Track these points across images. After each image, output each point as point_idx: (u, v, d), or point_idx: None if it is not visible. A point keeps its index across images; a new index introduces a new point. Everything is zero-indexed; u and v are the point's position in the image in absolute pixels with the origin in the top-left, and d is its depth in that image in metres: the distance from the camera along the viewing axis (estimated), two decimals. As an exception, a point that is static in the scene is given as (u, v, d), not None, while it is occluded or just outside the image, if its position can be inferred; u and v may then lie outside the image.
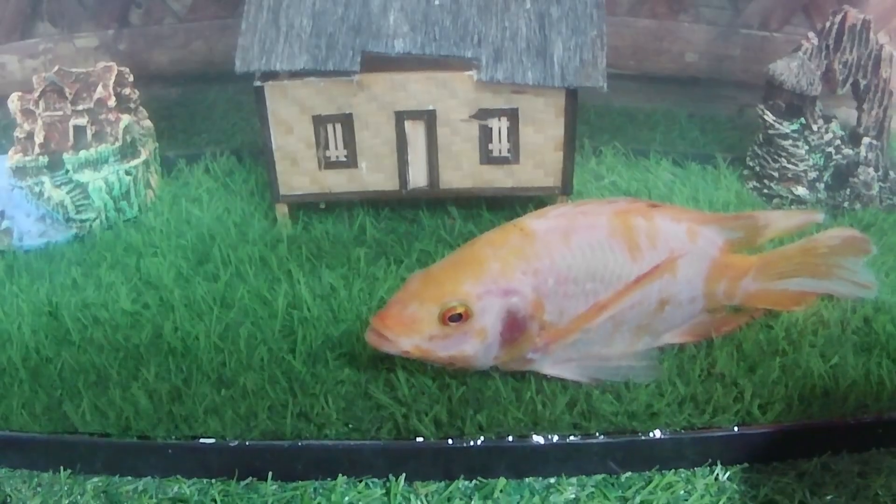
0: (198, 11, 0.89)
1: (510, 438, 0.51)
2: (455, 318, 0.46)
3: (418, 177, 0.62)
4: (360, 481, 0.48)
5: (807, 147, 0.73)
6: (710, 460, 0.49)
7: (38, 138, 0.68)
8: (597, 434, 0.50)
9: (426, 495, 0.50)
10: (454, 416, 0.52)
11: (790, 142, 0.72)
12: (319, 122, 0.60)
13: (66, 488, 0.49)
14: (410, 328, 0.46)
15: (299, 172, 0.63)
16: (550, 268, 0.47)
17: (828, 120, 0.74)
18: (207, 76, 0.87)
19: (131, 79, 0.70)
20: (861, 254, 0.57)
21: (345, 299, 0.58)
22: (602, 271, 0.48)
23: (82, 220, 0.67)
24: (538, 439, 0.51)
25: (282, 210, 0.65)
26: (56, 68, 0.69)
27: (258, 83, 0.59)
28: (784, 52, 0.73)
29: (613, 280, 0.48)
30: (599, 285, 0.48)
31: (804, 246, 0.56)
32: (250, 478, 0.48)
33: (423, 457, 0.51)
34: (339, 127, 0.61)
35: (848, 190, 0.73)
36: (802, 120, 0.73)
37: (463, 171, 0.62)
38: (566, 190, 0.64)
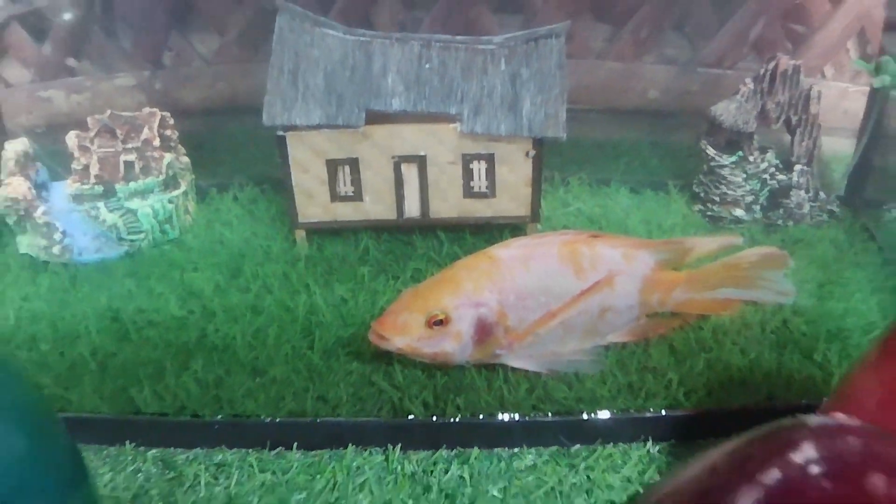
0: (222, 55, 0.99)
1: (482, 417, 0.60)
2: (437, 323, 0.58)
3: (412, 208, 0.73)
4: (366, 450, 0.59)
5: (744, 175, 0.84)
6: (643, 437, 0.59)
7: (94, 170, 0.78)
8: (550, 414, 0.59)
9: (416, 461, 0.60)
10: (439, 399, 0.62)
11: (729, 171, 0.84)
12: (331, 164, 0.71)
13: (129, 458, 0.59)
14: (403, 331, 0.58)
15: (314, 204, 0.73)
16: (512, 286, 0.59)
17: (763, 151, 0.85)
18: (231, 113, 0.95)
19: (171, 121, 0.80)
20: (780, 267, 0.68)
21: (352, 307, 0.69)
22: (553, 288, 0.60)
23: (132, 240, 0.77)
24: (504, 417, 0.60)
25: (300, 234, 0.75)
26: (108, 112, 0.80)
27: (281, 133, 0.70)
28: (736, 86, 0.82)
29: (563, 294, 0.60)
30: (551, 299, 0.60)
31: (728, 262, 0.68)
32: (279, 448, 0.59)
33: (415, 431, 0.61)
34: (347, 168, 0.71)
35: (781, 210, 0.83)
36: (740, 153, 0.84)
37: (449, 203, 0.73)
38: (535, 218, 0.74)
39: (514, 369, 0.63)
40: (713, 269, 0.67)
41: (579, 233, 0.62)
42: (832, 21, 0.97)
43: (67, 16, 0.97)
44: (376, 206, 0.74)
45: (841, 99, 0.97)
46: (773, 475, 0.38)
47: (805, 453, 0.39)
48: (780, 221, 0.84)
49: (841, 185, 0.88)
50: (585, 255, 0.60)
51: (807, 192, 0.84)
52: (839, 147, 0.93)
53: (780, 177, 0.84)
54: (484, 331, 0.58)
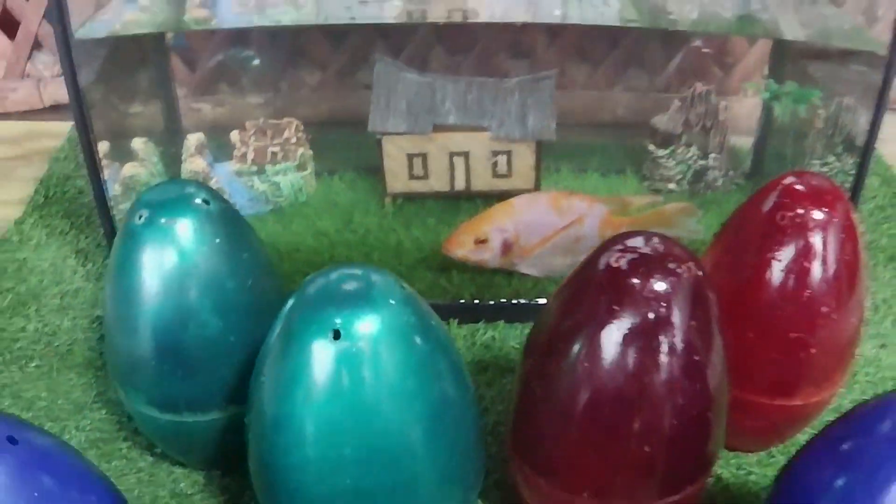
0: (322, 85, 1.42)
1: (504, 301, 0.92)
2: (480, 241, 0.93)
3: (460, 184, 1.10)
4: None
5: (675, 162, 1.25)
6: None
7: (250, 156, 1.17)
8: (544, 300, 0.93)
9: (466, 328, 0.90)
10: (478, 290, 0.95)
11: (664, 161, 1.26)
12: (409, 156, 1.09)
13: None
14: (460, 246, 0.93)
15: (397, 181, 1.09)
16: (522, 221, 0.93)
17: (688, 146, 1.26)
18: (330, 124, 1.36)
19: (302, 127, 1.23)
20: (692, 216, 1.01)
21: (423, 241, 0.99)
22: (546, 223, 0.97)
23: (277, 202, 1.10)
24: (518, 301, 0.93)
25: (388, 200, 1.11)
26: (262, 119, 1.23)
27: (379, 137, 1.11)
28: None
29: (552, 227, 0.98)
30: (545, 229, 0.98)
31: (656, 211, 1.05)
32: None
33: (465, 311, 0.91)
34: (419, 159, 1.09)
35: (702, 184, 1.16)
36: (672, 147, 1.26)
37: (482, 180, 1.09)
38: (537, 188, 1.13)
39: (523, 273, 0.95)
40: (646, 216, 1.06)
41: (561, 192, 1.03)
42: (748, 55, 1.40)
43: (212, 57, 1.39)
44: (437, 182, 1.12)
45: (748, 108, 1.39)
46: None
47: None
48: (700, 191, 1.20)
49: (746, 164, 1.29)
50: (564, 204, 1.00)
51: (719, 171, 1.24)
52: (745, 140, 1.34)
53: (701, 162, 1.24)
54: (506, 247, 0.94)
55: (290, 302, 0.55)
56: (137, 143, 1.11)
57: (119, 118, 1.14)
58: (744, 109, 1.28)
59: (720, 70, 1.30)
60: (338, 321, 0.51)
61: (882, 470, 0.49)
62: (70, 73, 0.88)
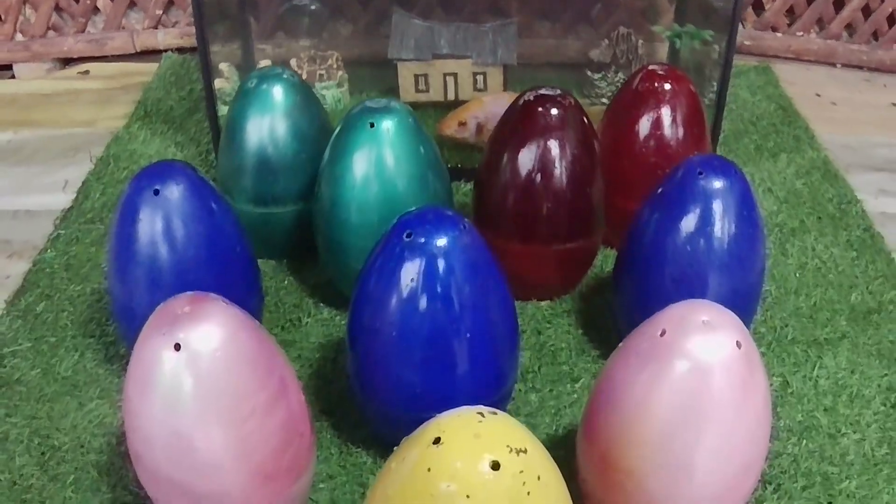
0: (355, 34, 1.92)
1: (475, 166, 1.33)
2: (462, 124, 1.36)
3: (451, 93, 1.58)
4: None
5: (606, 84, 1.75)
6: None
7: (304, 76, 1.70)
8: None
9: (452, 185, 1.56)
10: (462, 158, 1.41)
11: (598, 81, 1.75)
12: (416, 76, 1.61)
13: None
14: (448, 128, 1.37)
15: (408, 94, 1.60)
16: (491, 110, 1.32)
17: (616, 72, 1.77)
18: (358, 61, 1.81)
19: (341, 58, 1.72)
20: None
21: (428, 130, 1.17)
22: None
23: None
24: None
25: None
26: (312, 51, 1.73)
27: (395, 62, 1.59)
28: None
29: None
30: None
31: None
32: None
33: (451, 172, 1.25)
34: (423, 77, 1.57)
35: None
36: (603, 73, 1.76)
37: (467, 92, 1.59)
38: None
39: (492, 149, 1.54)
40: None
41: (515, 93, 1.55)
42: (660, 4, 1.88)
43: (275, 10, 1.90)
44: (435, 94, 1.60)
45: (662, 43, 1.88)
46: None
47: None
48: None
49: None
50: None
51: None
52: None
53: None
54: (479, 129, 1.40)
55: (339, 126, 1.06)
56: (224, 67, 1.62)
57: (213, 52, 1.64)
58: (656, 46, 1.78)
59: (641, 17, 1.80)
60: (371, 121, 1.03)
61: (678, 205, 0.98)
62: (199, 20, 1.39)
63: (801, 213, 1.40)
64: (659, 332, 0.75)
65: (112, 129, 1.53)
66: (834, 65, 1.90)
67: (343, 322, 1.08)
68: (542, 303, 1.15)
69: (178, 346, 0.67)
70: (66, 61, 1.90)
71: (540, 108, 1.08)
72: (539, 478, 0.65)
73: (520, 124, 1.10)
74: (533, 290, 1.13)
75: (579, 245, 1.16)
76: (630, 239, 1.05)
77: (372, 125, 1.02)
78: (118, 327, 1.00)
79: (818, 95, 1.74)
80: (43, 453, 0.91)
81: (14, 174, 1.43)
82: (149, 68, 1.76)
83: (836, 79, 1.83)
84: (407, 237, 0.85)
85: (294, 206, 1.22)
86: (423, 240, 0.85)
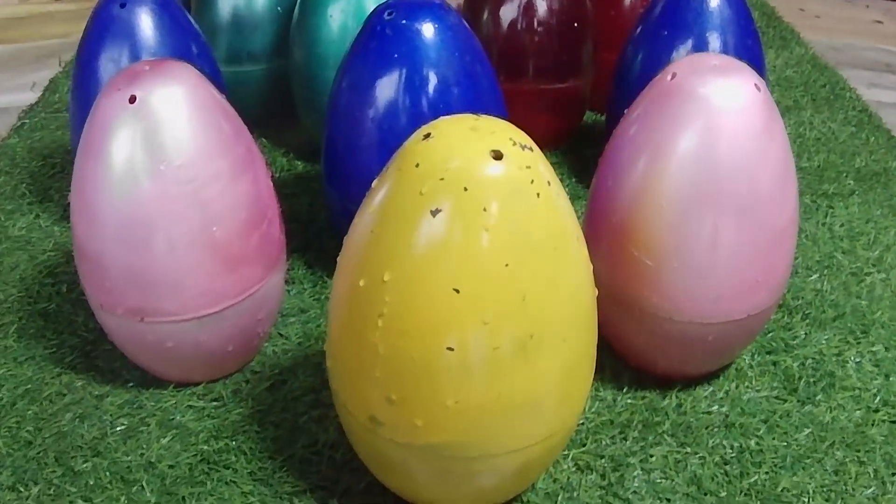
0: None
1: None
2: None
3: None
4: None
5: None
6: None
7: None
8: None
9: None
10: None
11: None
12: None
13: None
14: None
15: None
16: None
17: None
18: None
19: None
20: None
21: None
22: None
23: None
24: None
25: None
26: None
27: None
28: None
29: None
30: None
31: None
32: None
33: None
34: None
35: None
36: None
37: None
38: None
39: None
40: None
41: None
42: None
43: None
44: None
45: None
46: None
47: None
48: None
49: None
50: None
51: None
52: None
53: None
54: None
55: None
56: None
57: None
58: None
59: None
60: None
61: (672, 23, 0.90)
62: None
63: (795, 95, 1.33)
64: (669, 76, 0.66)
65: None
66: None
67: (318, 170, 1.01)
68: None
69: (132, 99, 0.61)
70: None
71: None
72: (549, 183, 0.53)
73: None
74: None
75: (568, 86, 1.07)
76: (623, 57, 0.97)
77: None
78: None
79: (802, 10, 1.69)
80: (-14, 307, 0.85)
81: (-16, 80, 1.39)
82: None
83: None
84: (388, 16, 0.77)
85: (269, 64, 1.12)
86: (404, 21, 0.77)
